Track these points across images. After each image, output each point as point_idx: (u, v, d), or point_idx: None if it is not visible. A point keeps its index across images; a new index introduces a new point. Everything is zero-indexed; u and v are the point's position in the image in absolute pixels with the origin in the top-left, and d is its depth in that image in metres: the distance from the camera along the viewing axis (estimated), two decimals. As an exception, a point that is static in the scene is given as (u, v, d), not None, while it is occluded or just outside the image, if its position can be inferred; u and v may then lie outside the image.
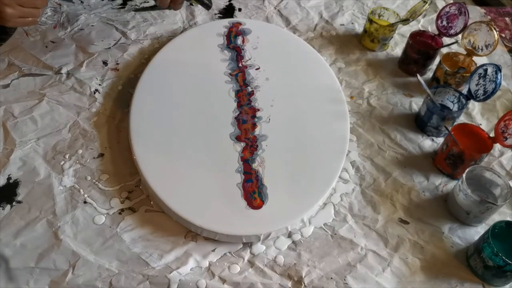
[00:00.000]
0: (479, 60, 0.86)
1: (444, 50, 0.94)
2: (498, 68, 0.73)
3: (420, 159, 0.77)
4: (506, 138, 0.70)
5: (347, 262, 0.63)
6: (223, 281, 0.60)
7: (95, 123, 0.78)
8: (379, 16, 0.98)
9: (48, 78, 0.84)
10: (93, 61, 0.89)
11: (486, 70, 0.75)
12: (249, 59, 0.88)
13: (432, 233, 0.67)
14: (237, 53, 0.89)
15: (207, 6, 0.91)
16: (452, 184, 0.74)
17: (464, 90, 0.79)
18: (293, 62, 0.89)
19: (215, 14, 1.04)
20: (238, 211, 0.64)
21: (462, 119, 0.85)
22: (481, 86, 0.76)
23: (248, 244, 0.64)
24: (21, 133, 0.75)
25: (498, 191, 0.68)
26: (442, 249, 0.65)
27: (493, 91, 0.74)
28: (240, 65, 0.86)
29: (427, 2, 0.92)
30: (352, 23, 1.06)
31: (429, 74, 0.93)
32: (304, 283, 0.60)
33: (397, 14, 0.96)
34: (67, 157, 0.72)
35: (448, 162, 0.73)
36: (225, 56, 0.88)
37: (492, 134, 0.73)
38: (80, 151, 0.73)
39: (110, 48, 0.92)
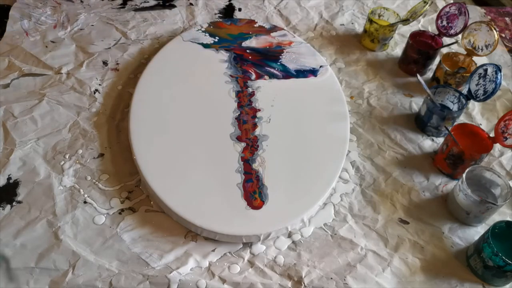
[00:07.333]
0: (479, 60, 0.86)
1: (444, 50, 0.94)
2: (498, 68, 0.73)
3: (420, 159, 0.77)
4: (506, 138, 0.70)
5: (347, 262, 0.63)
6: (223, 281, 0.60)
7: (95, 123, 0.78)
8: (379, 16, 0.98)
9: (48, 78, 0.84)
10: (93, 61, 0.89)
11: (486, 70, 0.75)
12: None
13: (432, 233, 0.67)
14: (237, 55, 0.89)
15: None
16: (452, 184, 0.74)
17: (464, 90, 0.79)
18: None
19: (215, 14, 1.04)
20: (238, 211, 0.64)
21: (462, 119, 0.85)
22: (481, 86, 0.76)
23: (248, 244, 0.64)
24: (21, 133, 0.74)
25: (498, 191, 0.68)
26: (442, 249, 0.65)
27: (493, 91, 0.74)
28: (240, 67, 0.86)
29: (427, 3, 0.92)
30: (352, 23, 1.06)
31: (429, 74, 0.93)
32: (304, 283, 0.60)
33: (397, 14, 0.96)
34: (67, 157, 0.72)
35: (448, 162, 0.73)
36: (225, 57, 0.88)
37: (492, 134, 0.73)
38: (80, 151, 0.73)
39: (110, 48, 0.92)
